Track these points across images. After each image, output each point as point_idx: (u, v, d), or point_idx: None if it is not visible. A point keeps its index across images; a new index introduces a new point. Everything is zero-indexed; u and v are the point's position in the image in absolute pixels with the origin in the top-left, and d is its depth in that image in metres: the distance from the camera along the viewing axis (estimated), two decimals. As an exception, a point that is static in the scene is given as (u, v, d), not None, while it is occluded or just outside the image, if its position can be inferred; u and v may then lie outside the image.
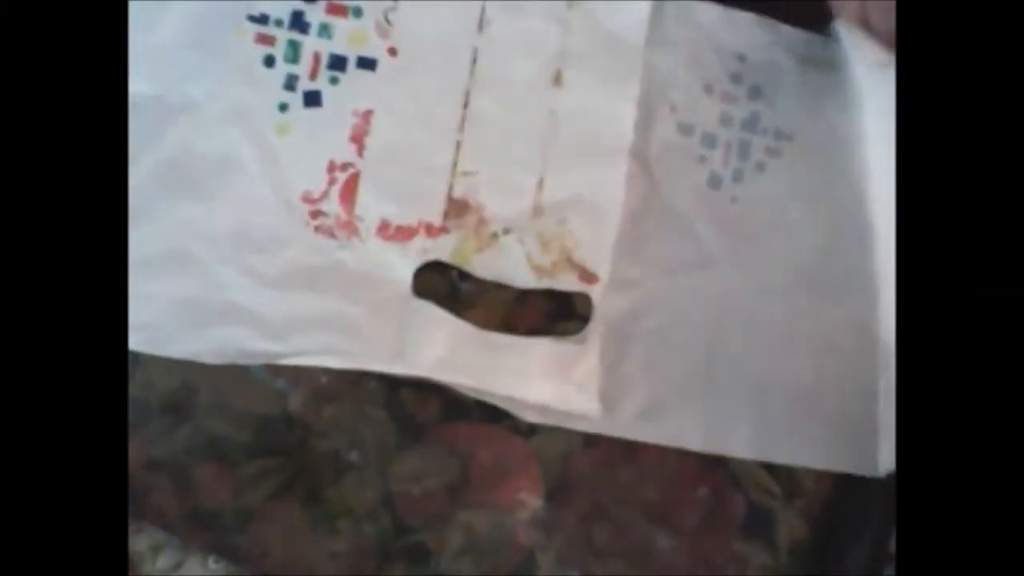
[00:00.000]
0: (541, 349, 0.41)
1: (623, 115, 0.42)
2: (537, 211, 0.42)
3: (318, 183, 0.41)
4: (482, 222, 0.42)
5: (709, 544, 0.42)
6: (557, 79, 0.43)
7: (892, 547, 0.41)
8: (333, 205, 0.41)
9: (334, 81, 0.42)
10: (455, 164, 0.42)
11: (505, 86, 0.42)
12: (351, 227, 0.41)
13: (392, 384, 0.43)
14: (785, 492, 0.43)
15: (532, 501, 0.42)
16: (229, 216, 0.41)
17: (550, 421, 0.41)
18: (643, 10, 0.43)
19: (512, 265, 0.42)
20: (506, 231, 0.42)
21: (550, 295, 0.42)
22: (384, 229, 0.41)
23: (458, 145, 0.42)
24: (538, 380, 0.41)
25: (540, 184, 0.42)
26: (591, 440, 0.43)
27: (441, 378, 0.40)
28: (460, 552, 0.42)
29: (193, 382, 0.42)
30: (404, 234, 0.41)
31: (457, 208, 0.42)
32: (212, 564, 0.40)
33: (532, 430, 0.43)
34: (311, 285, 0.41)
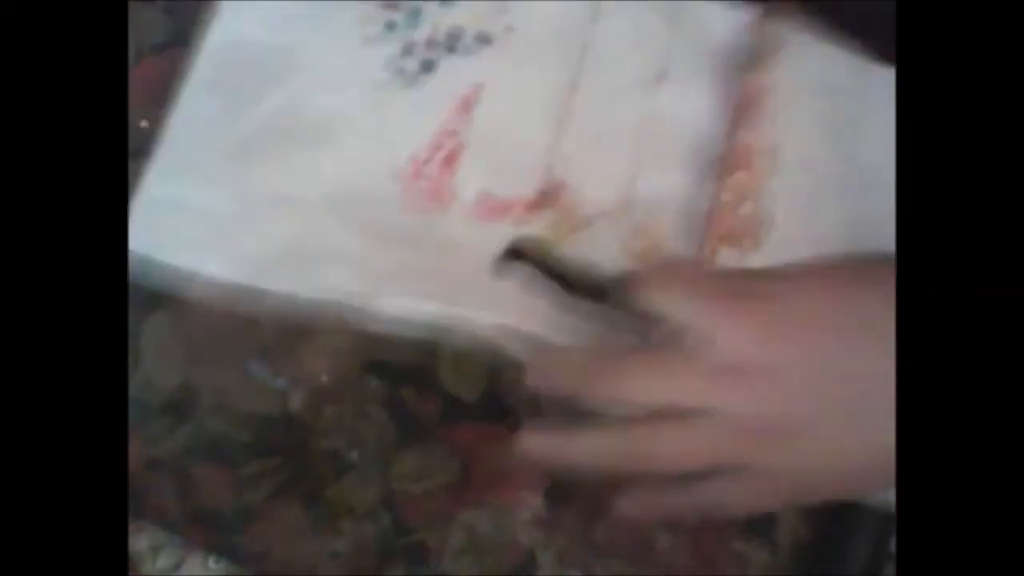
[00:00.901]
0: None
1: (718, 115, 0.43)
2: (629, 200, 0.43)
3: (423, 149, 0.42)
4: (576, 205, 0.42)
5: (709, 543, 0.42)
6: (660, 77, 0.44)
7: (892, 547, 0.41)
8: (435, 171, 0.42)
9: (450, 52, 0.43)
10: (555, 146, 0.43)
11: (611, 78, 0.44)
12: (450, 194, 0.42)
13: (393, 384, 0.43)
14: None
15: (532, 500, 0.42)
16: (337, 169, 0.42)
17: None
18: (749, 17, 0.44)
19: (602, 249, 0.42)
20: (598, 216, 0.42)
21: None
22: (482, 201, 0.42)
23: (560, 129, 0.43)
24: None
25: (634, 176, 0.43)
26: (591, 439, 0.43)
27: (530, 330, 0.41)
28: (461, 551, 0.42)
29: (193, 382, 0.42)
30: (500, 208, 0.42)
31: (553, 188, 0.42)
32: (212, 564, 0.40)
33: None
34: (407, 243, 0.42)
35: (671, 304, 0.34)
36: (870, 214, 0.42)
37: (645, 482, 0.35)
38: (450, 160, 0.42)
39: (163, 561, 0.40)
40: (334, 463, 0.42)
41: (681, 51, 0.44)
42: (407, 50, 0.43)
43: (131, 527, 0.40)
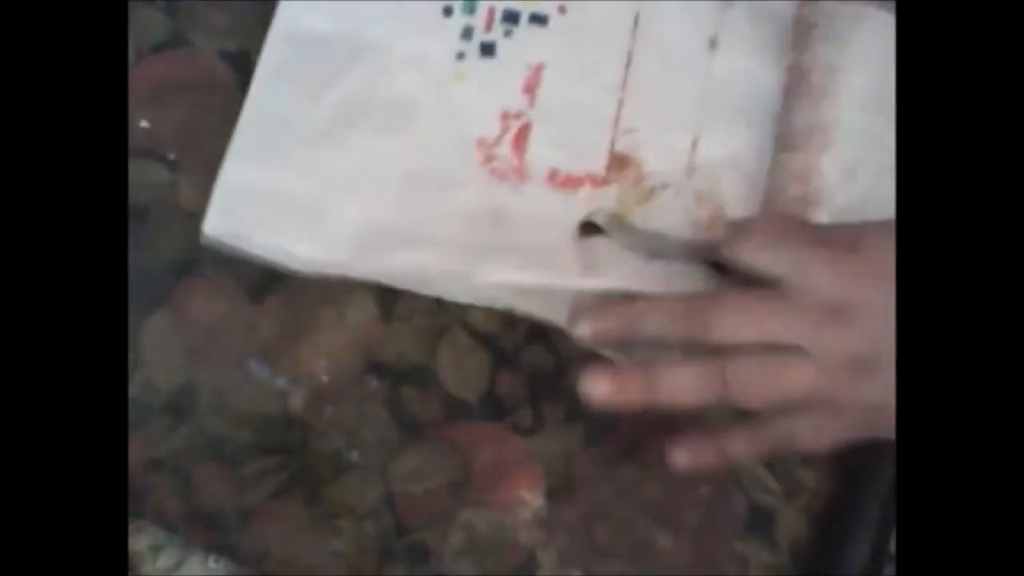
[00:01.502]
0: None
1: (774, 82, 0.44)
2: (691, 169, 0.44)
3: (492, 129, 0.43)
4: (641, 177, 0.43)
5: (710, 543, 0.42)
6: (713, 44, 0.45)
7: (892, 547, 0.41)
8: (506, 151, 0.43)
9: (508, 34, 0.44)
10: (617, 120, 0.44)
11: (665, 48, 0.44)
12: (522, 173, 0.43)
13: (393, 383, 0.43)
14: (786, 491, 0.43)
15: (533, 500, 0.42)
16: (410, 153, 0.43)
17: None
18: None
19: (671, 218, 0.43)
20: (664, 186, 0.43)
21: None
22: (553, 178, 0.43)
23: (620, 102, 0.44)
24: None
25: (695, 143, 0.44)
26: (592, 439, 0.43)
27: (635, 287, 0.42)
28: (461, 551, 0.42)
29: (193, 382, 0.42)
30: (571, 183, 0.43)
31: (619, 162, 0.43)
32: (212, 564, 0.40)
33: (533, 429, 0.43)
34: (489, 221, 0.43)
35: (772, 256, 0.38)
36: None
37: (704, 427, 0.39)
38: (519, 140, 0.43)
39: (163, 561, 0.40)
40: (334, 463, 0.42)
41: (731, 18, 0.45)
42: (466, 34, 0.44)
43: (131, 527, 0.40)
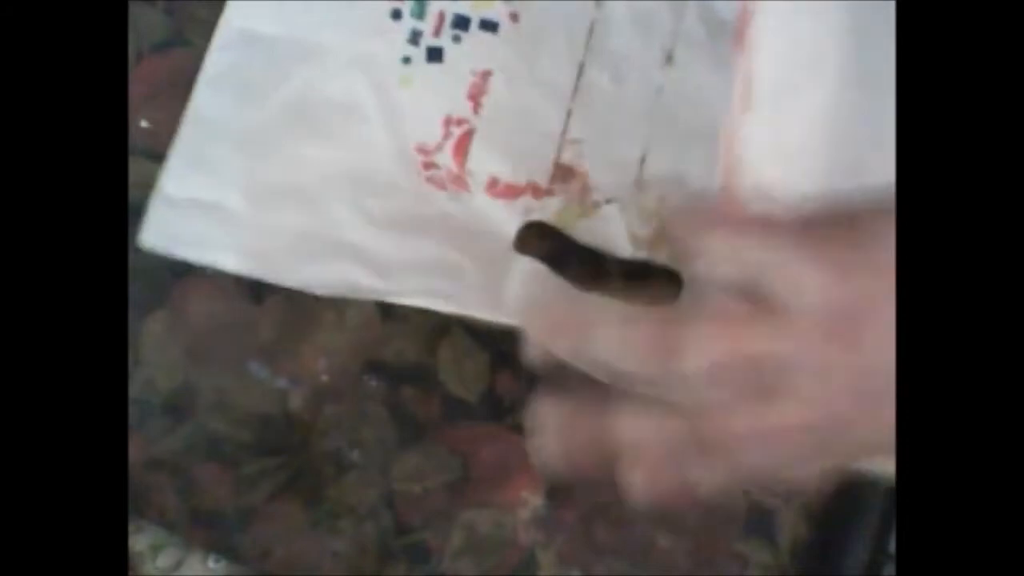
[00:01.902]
0: (636, 316, 0.41)
1: (727, 99, 0.43)
2: (639, 184, 0.43)
3: (434, 135, 0.43)
4: (586, 189, 0.43)
5: (710, 543, 0.42)
6: (668, 59, 0.44)
7: (892, 547, 0.41)
8: (446, 158, 0.43)
9: (456, 40, 0.44)
10: (564, 131, 0.43)
11: (618, 61, 0.44)
12: (461, 181, 0.43)
13: (393, 383, 0.43)
14: (786, 491, 0.43)
15: (533, 500, 0.42)
16: (347, 159, 0.42)
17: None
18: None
19: (612, 233, 0.42)
20: (608, 200, 0.43)
21: (638, 271, 0.42)
22: (493, 186, 0.43)
23: (569, 113, 0.43)
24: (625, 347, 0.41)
25: (643, 159, 0.43)
26: (592, 439, 0.43)
27: (534, 331, 0.40)
28: (461, 551, 0.42)
29: (193, 382, 0.42)
30: (511, 192, 0.43)
31: (563, 173, 0.43)
32: (212, 563, 0.40)
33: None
34: (420, 231, 0.42)
35: (747, 254, 0.29)
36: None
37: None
38: (460, 147, 0.43)
39: (163, 561, 0.40)
40: (334, 463, 0.42)
41: (687, 33, 0.44)
42: (413, 38, 0.44)
43: (131, 527, 0.40)
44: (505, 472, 0.42)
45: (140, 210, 0.43)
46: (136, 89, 0.44)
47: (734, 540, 0.42)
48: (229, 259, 0.41)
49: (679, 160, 0.43)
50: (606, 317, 0.32)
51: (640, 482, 0.31)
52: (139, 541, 0.40)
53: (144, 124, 0.44)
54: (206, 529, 0.41)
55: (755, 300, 0.28)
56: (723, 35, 0.44)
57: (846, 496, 0.42)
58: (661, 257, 0.42)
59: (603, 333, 0.31)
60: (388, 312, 0.43)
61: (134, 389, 0.42)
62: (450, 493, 0.42)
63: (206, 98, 0.43)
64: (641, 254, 0.42)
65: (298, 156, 0.42)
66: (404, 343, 0.43)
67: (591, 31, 0.44)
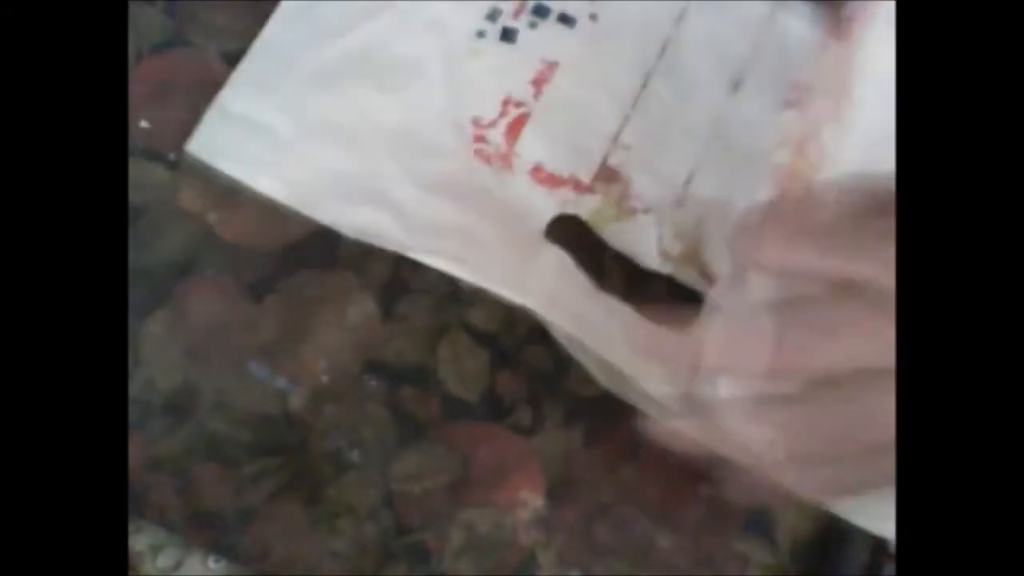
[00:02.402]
0: (649, 328, 0.41)
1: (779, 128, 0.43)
2: (680, 202, 0.43)
3: (490, 112, 0.44)
4: (626, 195, 0.43)
5: (710, 543, 0.42)
6: (736, 86, 0.44)
7: (892, 547, 0.41)
8: (497, 136, 0.43)
9: (533, 26, 0.45)
10: (617, 134, 0.44)
11: (685, 78, 0.44)
12: (507, 160, 0.43)
13: (393, 383, 0.43)
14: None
15: (533, 500, 0.42)
16: (402, 114, 0.43)
17: (625, 395, 0.41)
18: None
19: (643, 243, 0.43)
20: (646, 210, 0.43)
21: (669, 286, 0.43)
22: (536, 172, 0.43)
23: (626, 118, 0.44)
24: (630, 353, 0.41)
25: (690, 178, 0.43)
26: (592, 439, 0.43)
27: (546, 316, 0.41)
28: (461, 551, 0.42)
29: (193, 382, 0.42)
30: (553, 181, 0.43)
31: (607, 175, 0.43)
32: (212, 564, 0.40)
33: (533, 429, 0.43)
34: (456, 198, 0.42)
35: (809, 260, 0.30)
36: None
37: None
38: (513, 128, 0.43)
39: (163, 561, 0.40)
40: (334, 463, 0.42)
41: (761, 62, 0.45)
42: (492, 16, 0.45)
43: (131, 527, 0.40)
44: (505, 472, 0.42)
45: (140, 210, 0.43)
46: (136, 89, 0.44)
47: (734, 540, 0.42)
48: (267, 182, 0.42)
49: (725, 186, 0.43)
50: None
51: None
52: (139, 541, 0.40)
53: (144, 124, 0.44)
54: (206, 529, 0.41)
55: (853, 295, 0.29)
56: (794, 68, 0.44)
57: (846, 496, 0.42)
58: (686, 276, 0.42)
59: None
60: (388, 312, 0.43)
61: (134, 389, 0.42)
62: (450, 493, 0.42)
63: (279, 28, 0.44)
64: (667, 269, 0.42)
65: (355, 100, 0.43)
66: (404, 343, 0.43)
67: (664, 47, 0.45)
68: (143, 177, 0.43)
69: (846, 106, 0.42)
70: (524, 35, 0.45)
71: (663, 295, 0.42)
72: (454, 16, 0.45)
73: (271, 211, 0.44)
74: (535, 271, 0.42)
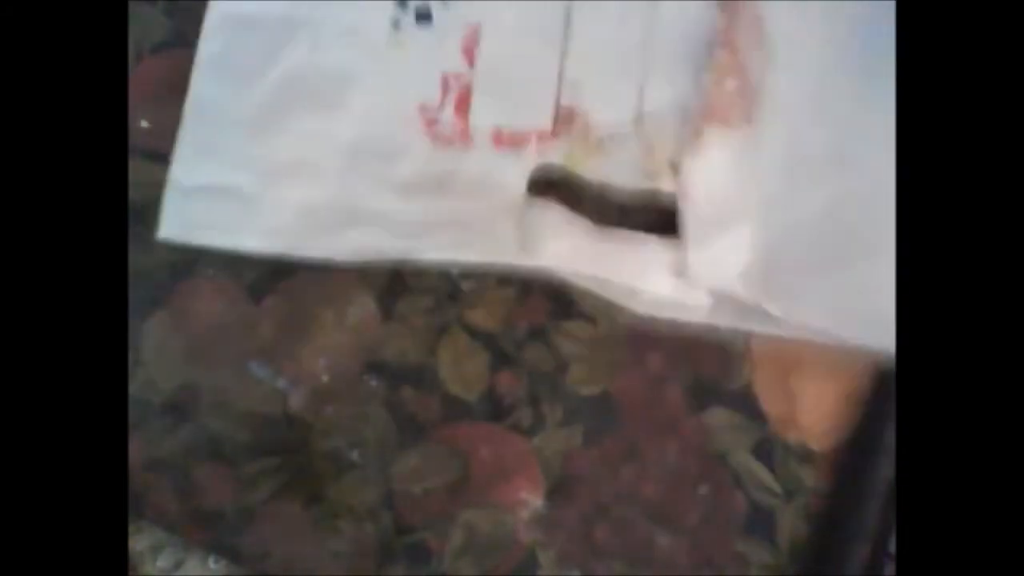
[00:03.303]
0: (655, 244, 0.42)
1: (712, 18, 0.43)
2: (638, 117, 0.43)
3: (433, 94, 0.43)
4: (588, 129, 0.43)
5: (710, 542, 0.42)
6: None
7: (892, 547, 0.41)
8: (448, 115, 0.43)
9: None
10: (561, 73, 0.43)
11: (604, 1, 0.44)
12: (466, 135, 0.43)
13: (393, 383, 0.43)
14: (785, 491, 0.43)
15: (533, 500, 0.42)
16: (350, 127, 0.43)
17: (664, 314, 0.42)
18: None
19: (620, 169, 0.43)
20: (611, 137, 0.43)
21: (651, 200, 0.42)
22: (498, 137, 0.43)
23: (563, 55, 0.44)
24: (656, 272, 0.41)
25: (641, 91, 0.43)
26: (591, 439, 0.43)
27: (565, 268, 0.41)
28: (461, 551, 0.42)
29: (193, 382, 0.42)
30: (517, 141, 0.43)
31: (565, 116, 0.43)
32: (212, 564, 0.40)
33: (533, 429, 0.43)
34: (432, 190, 0.42)
35: None
36: (875, 88, 0.41)
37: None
38: (461, 103, 0.43)
39: (163, 561, 0.40)
40: (334, 463, 0.42)
41: None
42: (401, 2, 0.44)
43: (131, 527, 0.40)
44: (505, 472, 0.42)
45: (140, 210, 0.43)
46: (136, 89, 0.44)
47: (734, 540, 0.42)
48: (249, 240, 0.42)
49: (675, 88, 0.43)
50: None
51: None
52: (139, 541, 0.40)
53: (144, 124, 0.44)
54: (206, 529, 0.41)
55: None
56: None
57: (846, 495, 0.42)
58: (667, 186, 0.42)
59: None
60: (388, 312, 0.43)
61: (134, 389, 0.42)
62: (450, 493, 0.42)
63: (203, 85, 0.43)
64: (651, 184, 0.42)
65: (302, 131, 0.43)
66: (404, 343, 0.43)
67: None
68: (143, 177, 0.43)
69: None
70: (438, 10, 0.44)
71: (655, 209, 0.42)
72: (365, 16, 0.44)
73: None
74: (532, 233, 0.42)
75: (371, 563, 0.41)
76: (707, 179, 0.41)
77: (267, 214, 0.42)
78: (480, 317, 0.43)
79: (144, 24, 0.45)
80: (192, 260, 0.43)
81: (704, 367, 0.43)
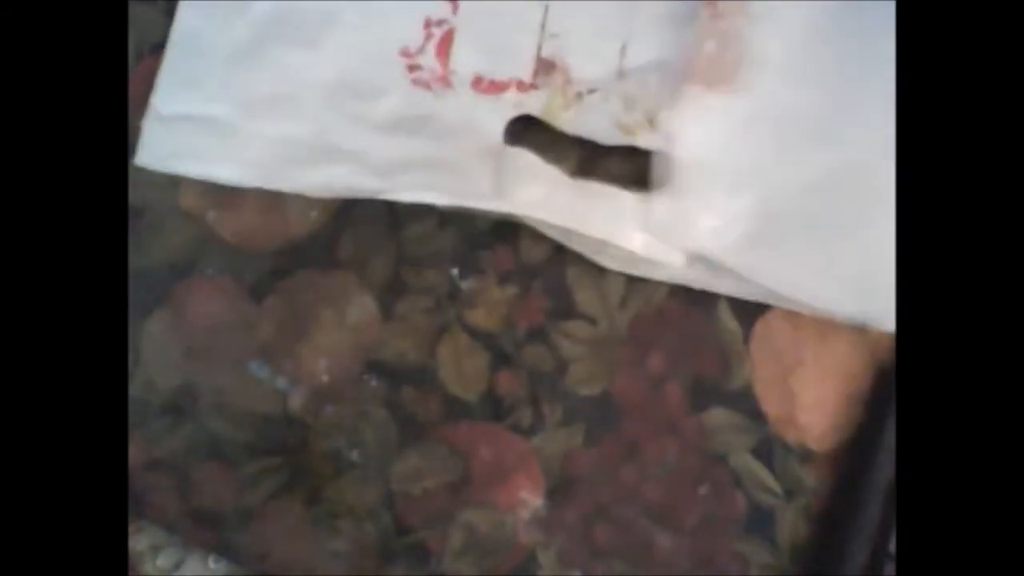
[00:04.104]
0: (630, 198, 0.42)
1: None
2: (620, 74, 0.43)
3: (415, 38, 0.44)
4: (568, 82, 0.43)
5: (710, 543, 0.42)
6: None
7: (892, 547, 0.41)
8: (429, 59, 0.44)
9: None
10: (543, 25, 0.44)
11: None
12: (446, 80, 0.43)
13: (393, 383, 0.43)
14: (786, 491, 0.43)
15: (533, 500, 0.42)
16: (331, 65, 0.43)
17: (634, 271, 0.42)
18: None
19: (597, 123, 0.43)
20: (591, 91, 0.43)
21: (627, 156, 0.43)
22: (477, 83, 0.43)
23: (546, 8, 0.44)
24: (628, 227, 0.42)
25: (623, 48, 0.43)
26: (592, 439, 0.43)
27: (537, 216, 0.42)
28: (461, 551, 0.42)
29: (193, 382, 0.42)
30: (496, 88, 0.43)
31: (545, 67, 0.43)
32: (212, 564, 0.40)
33: (533, 429, 0.43)
34: (410, 131, 0.43)
35: None
36: (867, 55, 0.42)
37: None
38: (443, 47, 0.43)
39: (163, 561, 0.40)
40: (334, 463, 0.42)
41: None
42: None
43: (131, 527, 0.40)
44: (505, 472, 0.42)
45: (140, 210, 0.43)
46: (136, 89, 0.44)
47: (734, 540, 0.42)
48: (226, 170, 0.42)
49: (658, 46, 0.43)
50: None
51: None
52: (139, 541, 0.40)
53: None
54: (206, 529, 0.41)
55: None
56: None
57: (846, 496, 0.42)
58: (644, 142, 0.42)
59: None
60: (388, 312, 0.43)
61: (134, 389, 0.42)
62: (450, 493, 0.42)
63: (187, 18, 0.44)
64: (628, 140, 0.42)
65: (284, 65, 0.43)
66: (404, 343, 0.43)
67: None
68: (143, 177, 0.43)
69: None
70: None
71: (631, 165, 0.43)
72: None
73: (271, 211, 0.44)
74: (506, 178, 0.42)
75: (371, 563, 0.41)
76: (688, 139, 0.42)
77: (244, 146, 0.42)
78: (480, 317, 0.43)
79: (144, 24, 0.45)
80: (192, 260, 0.43)
81: (704, 367, 0.43)
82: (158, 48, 0.45)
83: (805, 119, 0.42)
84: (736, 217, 0.41)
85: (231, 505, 0.41)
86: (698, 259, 0.42)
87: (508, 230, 0.43)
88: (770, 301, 0.42)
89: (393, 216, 0.44)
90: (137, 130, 0.44)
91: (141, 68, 0.45)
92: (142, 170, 0.43)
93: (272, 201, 0.43)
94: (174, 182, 0.44)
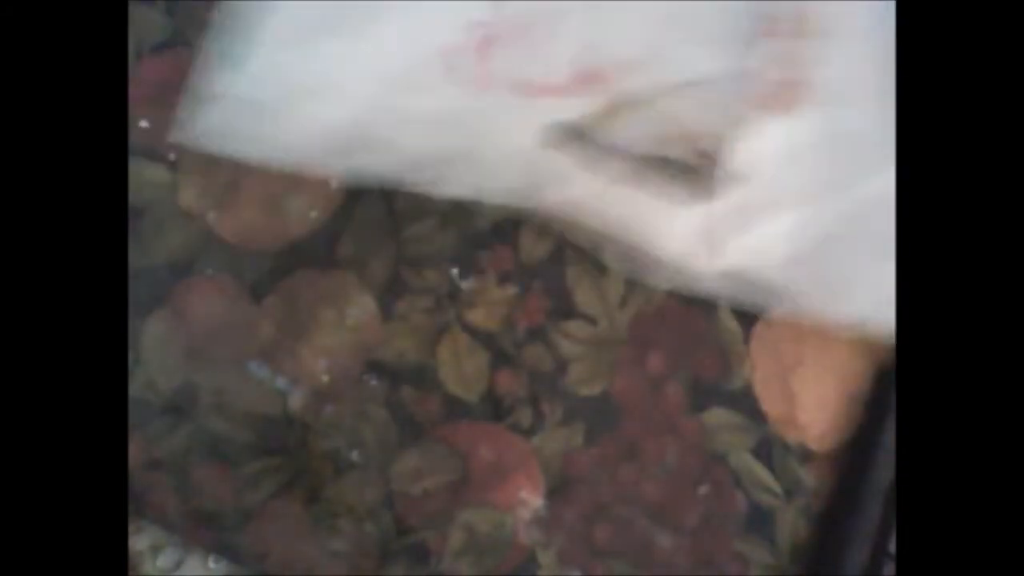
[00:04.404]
0: (665, 207, 0.42)
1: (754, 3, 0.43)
2: (660, 87, 0.43)
3: (457, 38, 0.44)
4: (607, 92, 0.43)
5: (710, 543, 0.42)
6: None
7: (892, 547, 0.41)
8: (470, 60, 0.44)
9: None
10: (586, 34, 0.44)
11: None
12: (486, 81, 0.43)
13: (393, 383, 0.43)
14: (786, 491, 0.43)
15: (533, 500, 0.42)
16: (374, 58, 0.44)
17: (659, 278, 0.42)
18: None
19: (633, 135, 0.43)
20: (631, 103, 0.43)
21: (663, 168, 0.43)
22: (516, 87, 0.43)
23: (590, 18, 0.44)
24: (660, 235, 0.42)
25: (667, 59, 0.43)
26: (592, 439, 0.43)
27: (567, 216, 0.42)
28: (461, 551, 0.42)
29: (193, 382, 0.42)
30: (535, 92, 0.43)
31: (585, 75, 0.43)
32: (212, 563, 0.40)
33: (533, 429, 0.43)
34: (447, 128, 0.43)
35: None
36: None
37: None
38: (484, 50, 0.44)
39: (163, 561, 0.40)
40: (334, 463, 0.42)
41: None
42: None
43: (131, 527, 0.40)
44: (505, 472, 0.42)
45: (140, 210, 0.43)
46: (136, 89, 0.44)
47: (734, 540, 0.42)
48: (263, 151, 0.43)
49: (701, 64, 0.43)
50: None
51: None
52: (139, 541, 0.40)
53: (144, 124, 0.44)
54: (206, 529, 0.41)
55: None
56: None
57: (846, 496, 0.42)
58: (679, 153, 0.42)
59: None
60: (388, 312, 0.43)
61: (134, 389, 0.42)
62: (450, 493, 0.42)
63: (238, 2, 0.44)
64: (664, 151, 0.42)
65: (327, 54, 0.44)
66: (404, 343, 0.43)
67: None
68: (143, 177, 0.43)
69: None
70: None
71: (666, 176, 0.43)
72: None
73: (271, 211, 0.44)
74: (541, 178, 0.42)
75: (371, 563, 0.41)
76: (738, 159, 0.42)
77: (283, 129, 0.43)
78: (480, 317, 0.43)
79: (144, 24, 0.45)
80: (192, 259, 0.43)
81: (704, 367, 0.43)
82: (158, 48, 0.45)
83: (859, 144, 0.42)
84: (779, 236, 0.41)
85: (231, 505, 0.41)
86: (731, 274, 0.42)
87: (508, 230, 0.43)
88: (811, 320, 0.42)
89: (393, 216, 0.44)
90: (137, 130, 0.44)
91: (141, 68, 0.45)
92: (142, 170, 0.43)
93: (272, 201, 0.43)
94: (174, 182, 0.44)
